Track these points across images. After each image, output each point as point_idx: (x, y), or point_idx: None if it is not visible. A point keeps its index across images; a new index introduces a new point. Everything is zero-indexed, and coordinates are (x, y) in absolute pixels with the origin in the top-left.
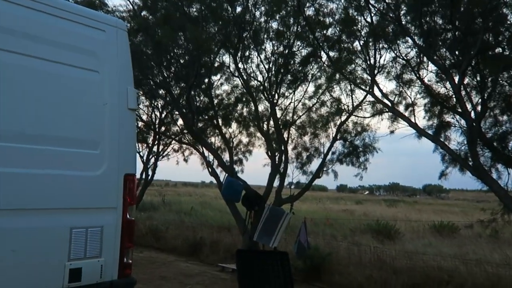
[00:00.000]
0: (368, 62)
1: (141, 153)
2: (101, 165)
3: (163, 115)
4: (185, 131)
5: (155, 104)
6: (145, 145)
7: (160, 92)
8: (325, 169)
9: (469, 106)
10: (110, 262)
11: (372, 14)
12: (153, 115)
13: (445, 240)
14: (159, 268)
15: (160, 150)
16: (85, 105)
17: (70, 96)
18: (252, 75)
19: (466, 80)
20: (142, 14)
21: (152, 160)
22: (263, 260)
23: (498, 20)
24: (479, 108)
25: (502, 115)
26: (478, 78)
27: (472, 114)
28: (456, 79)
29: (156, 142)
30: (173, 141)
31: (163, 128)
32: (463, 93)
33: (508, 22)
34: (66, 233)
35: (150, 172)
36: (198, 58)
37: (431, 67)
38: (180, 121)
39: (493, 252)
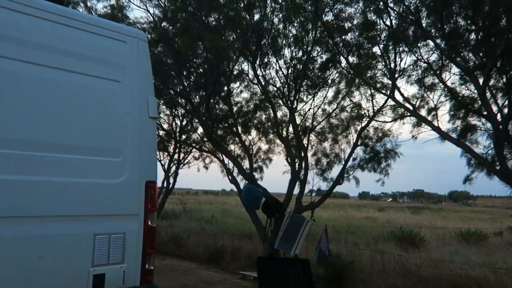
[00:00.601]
0: (389, 66)
1: (162, 162)
2: (123, 173)
3: (183, 124)
4: (205, 139)
5: (176, 112)
6: (166, 153)
7: (180, 101)
8: (346, 175)
9: (494, 108)
10: (132, 268)
11: (392, 17)
12: (173, 124)
13: (472, 248)
14: (181, 276)
15: (181, 158)
16: (107, 114)
17: (93, 106)
18: (270, 81)
19: (491, 82)
20: (162, 25)
21: (173, 168)
22: (284, 267)
23: None
24: (505, 110)
25: None
26: (504, 79)
27: (498, 117)
28: (481, 81)
29: (177, 150)
30: (194, 149)
31: (183, 136)
32: (488, 95)
33: None
34: (90, 239)
35: (171, 180)
36: (217, 67)
37: (454, 69)
38: (200, 129)
39: None
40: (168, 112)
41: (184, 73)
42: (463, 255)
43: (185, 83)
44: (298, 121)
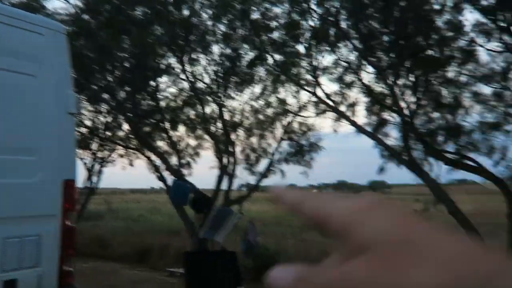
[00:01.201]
0: (312, 65)
1: (84, 160)
2: (37, 172)
3: (108, 120)
4: (131, 136)
5: (100, 109)
6: (89, 151)
7: (104, 96)
8: (272, 169)
9: (403, 104)
10: (49, 271)
11: (314, 18)
12: (97, 121)
13: None
14: (107, 278)
15: (105, 156)
16: (21, 111)
17: (5, 102)
18: (199, 77)
19: (401, 81)
20: (84, 17)
21: (97, 167)
22: (211, 260)
23: (429, 25)
24: (412, 106)
25: (433, 112)
26: (412, 79)
27: (407, 112)
28: (392, 79)
29: (101, 148)
30: (119, 147)
31: (108, 134)
32: (398, 92)
33: (438, 27)
34: None
35: (95, 180)
36: (143, 61)
37: (370, 68)
38: (126, 126)
39: None
40: (91, 108)
41: (108, 68)
42: None
43: (109, 78)
44: (226, 117)
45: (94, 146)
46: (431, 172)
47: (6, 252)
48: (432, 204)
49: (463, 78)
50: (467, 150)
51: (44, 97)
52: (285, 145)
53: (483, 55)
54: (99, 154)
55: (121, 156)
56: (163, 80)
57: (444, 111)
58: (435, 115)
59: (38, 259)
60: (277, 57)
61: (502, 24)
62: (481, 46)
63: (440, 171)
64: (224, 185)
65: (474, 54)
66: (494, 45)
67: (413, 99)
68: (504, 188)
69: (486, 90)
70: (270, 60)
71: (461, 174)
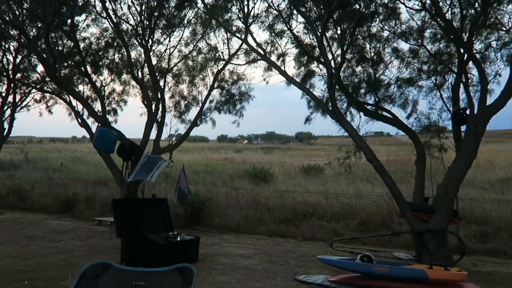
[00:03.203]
0: (243, 11)
1: None
2: None
3: (17, 60)
4: (47, 78)
5: (7, 46)
6: None
7: (12, 32)
8: (203, 117)
9: (330, 56)
10: None
11: None
12: (4, 60)
13: (311, 179)
14: (26, 228)
15: (17, 100)
16: None
17: None
18: (123, 18)
19: (329, 33)
20: None
21: (8, 112)
22: (141, 207)
23: None
24: (338, 58)
25: (357, 66)
26: (338, 31)
27: (333, 64)
28: (320, 31)
29: (11, 91)
30: (33, 90)
31: (19, 75)
32: (325, 44)
33: None
34: None
35: (6, 126)
36: None
37: (300, 18)
38: (40, 67)
39: (348, 187)
40: None
41: None
42: (303, 186)
43: (16, 11)
44: (154, 62)
45: (3, 88)
46: (352, 122)
47: None
48: (352, 153)
49: (385, 34)
50: (385, 102)
51: None
52: (216, 93)
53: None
54: (10, 98)
55: (37, 101)
56: (82, 18)
57: (367, 65)
58: (359, 68)
59: None
60: (207, 0)
61: None
62: (403, 3)
63: (360, 122)
64: (153, 134)
65: (396, 11)
66: (414, 3)
67: (339, 52)
68: (413, 138)
69: (404, 46)
70: (199, 3)
71: (379, 126)
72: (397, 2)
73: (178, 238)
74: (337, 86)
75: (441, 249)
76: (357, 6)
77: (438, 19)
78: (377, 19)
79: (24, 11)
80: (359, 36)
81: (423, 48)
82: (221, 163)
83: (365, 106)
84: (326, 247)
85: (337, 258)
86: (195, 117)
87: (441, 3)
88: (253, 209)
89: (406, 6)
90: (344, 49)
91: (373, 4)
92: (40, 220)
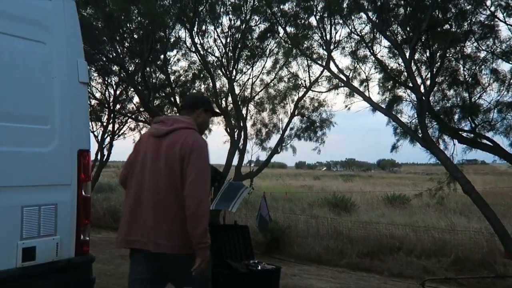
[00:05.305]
0: (324, 38)
1: (95, 133)
2: (52, 141)
3: (117, 92)
4: (141, 108)
5: (109, 81)
6: (99, 124)
7: (114, 68)
8: (283, 144)
9: (419, 80)
10: (66, 240)
11: None
12: (107, 93)
13: (396, 210)
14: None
15: (115, 129)
16: (32, 78)
17: (14, 68)
18: (209, 50)
19: (417, 56)
20: None
21: (108, 139)
22: (225, 233)
23: None
24: (428, 82)
25: (449, 90)
26: (428, 54)
27: (422, 88)
28: (407, 54)
29: (111, 120)
30: (129, 119)
31: (118, 106)
32: (413, 68)
33: None
34: (17, 211)
35: (105, 152)
36: (152, 33)
37: (384, 42)
38: (136, 99)
39: (439, 220)
40: (100, 80)
41: (117, 39)
42: (388, 217)
43: (118, 49)
44: (237, 91)
45: (104, 118)
46: (446, 150)
47: (25, 221)
48: (446, 183)
49: (481, 54)
50: (484, 129)
51: (55, 65)
52: (296, 120)
53: (503, 30)
54: (109, 127)
55: (132, 129)
56: (173, 53)
57: (460, 88)
58: (451, 92)
59: (56, 228)
60: (289, 29)
61: None
62: (502, 21)
63: (455, 150)
64: (235, 161)
65: (494, 29)
66: None
67: (428, 75)
68: None
69: (505, 67)
70: (281, 33)
71: (472, 154)
72: (496, 20)
73: (259, 267)
74: (427, 112)
75: None
76: (447, 26)
77: None
78: (472, 39)
79: (125, 49)
80: (451, 57)
81: None
82: (300, 190)
83: (460, 133)
84: (417, 286)
85: None
86: (275, 144)
87: None
88: (334, 239)
89: (506, 24)
90: (434, 72)
91: (467, 22)
92: None
